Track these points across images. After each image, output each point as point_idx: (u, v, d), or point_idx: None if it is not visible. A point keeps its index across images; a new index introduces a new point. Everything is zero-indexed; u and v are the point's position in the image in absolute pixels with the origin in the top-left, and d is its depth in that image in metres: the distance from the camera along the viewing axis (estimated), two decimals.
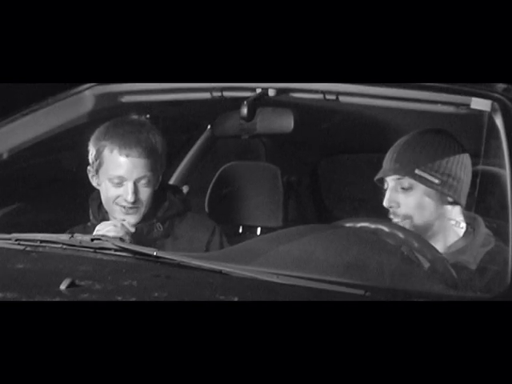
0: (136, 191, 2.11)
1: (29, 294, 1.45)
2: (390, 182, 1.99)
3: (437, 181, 1.94)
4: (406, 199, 1.96)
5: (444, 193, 1.95)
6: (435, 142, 1.98)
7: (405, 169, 1.96)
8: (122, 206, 2.12)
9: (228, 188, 2.62)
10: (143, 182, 2.13)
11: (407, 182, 1.96)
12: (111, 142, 2.12)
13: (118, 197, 2.12)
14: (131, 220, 2.14)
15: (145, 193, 2.14)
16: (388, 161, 2.01)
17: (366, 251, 1.67)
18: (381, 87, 1.94)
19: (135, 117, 2.22)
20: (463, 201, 1.97)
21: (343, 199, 3.23)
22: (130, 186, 2.11)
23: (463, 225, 1.98)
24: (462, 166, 1.97)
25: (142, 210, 2.15)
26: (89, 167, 2.19)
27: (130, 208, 2.13)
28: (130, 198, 2.10)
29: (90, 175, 2.20)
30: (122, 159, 2.11)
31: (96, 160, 2.15)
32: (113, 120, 2.20)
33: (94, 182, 2.20)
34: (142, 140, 2.12)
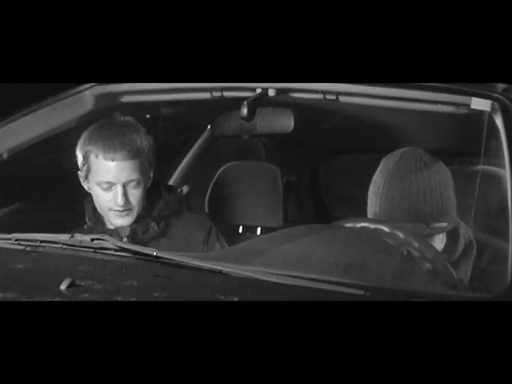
0: (126, 194, 2.11)
1: (29, 294, 1.45)
2: None
3: (445, 224, 1.87)
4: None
5: (451, 228, 1.89)
6: (428, 179, 1.86)
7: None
8: (114, 210, 2.13)
9: (228, 188, 2.62)
10: (132, 184, 2.12)
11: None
12: (96, 147, 2.11)
13: (109, 201, 2.12)
14: (125, 222, 2.14)
15: (135, 194, 2.13)
16: (387, 215, 1.86)
17: (366, 251, 1.67)
18: (381, 87, 1.93)
19: (119, 117, 2.21)
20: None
21: (343, 199, 3.23)
22: (119, 189, 2.10)
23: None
24: (450, 191, 1.89)
25: (135, 211, 2.15)
26: (79, 172, 2.18)
27: (123, 211, 2.13)
28: (120, 201, 2.10)
29: (80, 180, 2.19)
30: (108, 164, 2.10)
31: (84, 165, 2.15)
32: (97, 123, 2.19)
33: (85, 187, 2.20)
34: (126, 142, 2.11)
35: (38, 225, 2.03)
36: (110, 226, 2.18)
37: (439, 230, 1.88)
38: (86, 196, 2.24)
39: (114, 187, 2.11)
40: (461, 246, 1.93)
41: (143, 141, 2.15)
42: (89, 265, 1.64)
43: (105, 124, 2.18)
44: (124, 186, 2.11)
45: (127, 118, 2.21)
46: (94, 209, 2.21)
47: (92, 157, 2.12)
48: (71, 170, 2.33)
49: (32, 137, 2.21)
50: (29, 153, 2.26)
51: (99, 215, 2.20)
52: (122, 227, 2.15)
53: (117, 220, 2.15)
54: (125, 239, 2.12)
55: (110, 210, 2.13)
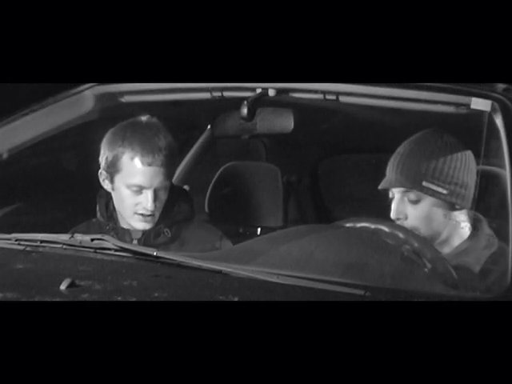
0: (155, 199, 2.08)
1: (29, 294, 1.45)
2: (396, 193, 1.95)
3: (445, 191, 1.91)
4: (413, 211, 1.92)
5: (452, 202, 1.92)
6: (440, 148, 1.94)
7: (412, 181, 1.92)
8: (139, 214, 2.09)
9: (228, 188, 2.62)
10: (162, 190, 2.09)
11: (415, 194, 1.92)
12: (132, 149, 2.06)
13: (136, 204, 2.08)
14: (147, 226, 2.11)
15: (162, 200, 2.11)
16: (392, 171, 1.97)
17: (366, 251, 1.67)
18: (381, 87, 1.93)
19: (147, 118, 2.16)
20: (469, 204, 1.95)
21: (343, 199, 3.23)
22: (150, 194, 2.06)
23: (468, 225, 1.96)
24: (467, 170, 1.93)
25: (157, 215, 2.12)
26: (100, 170, 2.13)
27: (148, 216, 2.09)
28: (150, 206, 2.07)
29: (101, 178, 2.14)
30: (144, 168, 2.06)
31: (113, 166, 2.09)
32: (127, 122, 2.15)
33: (106, 186, 2.14)
34: (163, 147, 2.07)
35: (38, 225, 2.03)
36: (124, 225, 2.15)
37: (431, 193, 1.91)
38: (91, 193, 2.20)
39: (143, 191, 2.07)
40: (483, 241, 1.93)
41: (174, 146, 2.13)
42: (89, 265, 1.64)
43: (137, 125, 2.13)
44: (155, 192, 2.07)
45: (155, 120, 2.17)
46: (107, 205, 2.17)
47: (125, 158, 2.07)
48: (71, 170, 2.33)
49: (32, 137, 2.21)
50: (29, 153, 2.26)
51: (112, 212, 2.17)
52: (136, 230, 2.12)
53: (138, 223, 2.11)
54: (135, 241, 2.10)
55: (135, 213, 2.09)
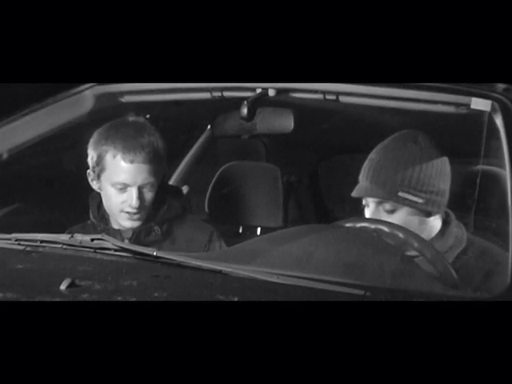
0: (140, 196, 2.09)
1: (29, 294, 1.45)
2: (371, 202, 1.93)
3: (421, 200, 1.88)
4: (389, 221, 1.88)
5: (428, 210, 1.90)
6: (416, 155, 1.91)
7: (388, 192, 1.89)
8: (126, 212, 2.11)
9: (228, 188, 2.62)
10: (147, 187, 2.10)
11: (390, 204, 1.89)
12: (114, 147, 2.08)
13: (122, 202, 2.10)
14: (134, 224, 2.13)
15: (148, 197, 2.12)
16: (366, 178, 1.93)
17: (366, 251, 1.67)
18: (381, 87, 1.94)
19: (134, 118, 2.19)
20: (444, 209, 1.94)
21: (343, 199, 3.23)
22: (134, 192, 2.08)
23: (439, 222, 1.96)
24: (443, 176, 1.92)
25: (145, 213, 2.13)
26: (89, 171, 2.15)
27: (135, 214, 2.11)
28: (135, 203, 2.08)
29: (89, 179, 2.16)
30: (126, 165, 2.07)
31: (97, 165, 2.11)
32: (112, 122, 2.16)
33: (94, 186, 2.17)
34: (145, 145, 2.09)
35: (38, 225, 2.03)
36: (115, 226, 2.17)
37: (407, 203, 1.88)
38: (90, 193, 2.22)
39: (128, 189, 2.09)
40: (450, 241, 1.93)
41: (160, 143, 2.13)
42: (89, 265, 1.64)
43: (121, 124, 2.15)
44: (139, 189, 2.09)
45: (141, 119, 2.19)
46: (99, 206, 2.19)
47: (108, 156, 2.09)
48: (71, 170, 2.33)
49: (32, 137, 2.21)
50: (29, 153, 2.26)
51: (104, 212, 2.18)
52: (126, 229, 2.13)
53: (126, 222, 2.13)
54: (126, 241, 2.10)
55: (122, 211, 2.11)
